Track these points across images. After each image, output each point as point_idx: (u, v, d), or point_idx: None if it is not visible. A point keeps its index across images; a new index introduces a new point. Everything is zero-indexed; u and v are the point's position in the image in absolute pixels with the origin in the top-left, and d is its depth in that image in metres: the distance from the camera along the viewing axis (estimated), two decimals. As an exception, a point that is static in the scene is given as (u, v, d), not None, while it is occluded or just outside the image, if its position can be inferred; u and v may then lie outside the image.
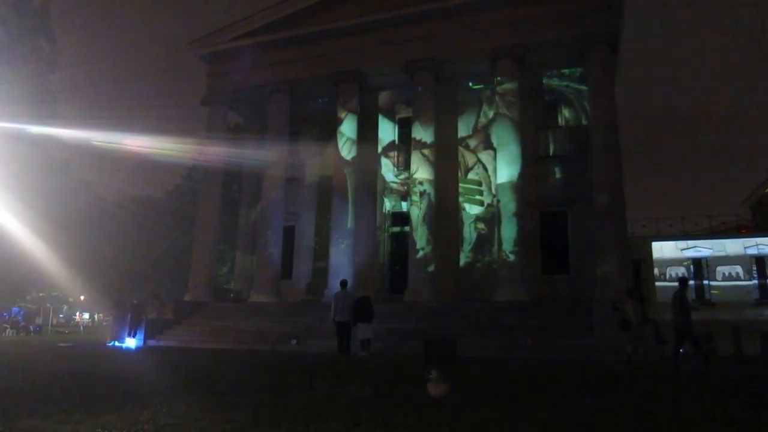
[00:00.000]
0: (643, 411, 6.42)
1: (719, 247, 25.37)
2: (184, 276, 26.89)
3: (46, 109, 27.31)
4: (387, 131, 25.17)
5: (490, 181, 22.78)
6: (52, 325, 35.65)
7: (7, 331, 28.43)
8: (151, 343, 19.52)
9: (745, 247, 25.06)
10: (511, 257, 19.80)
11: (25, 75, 25.79)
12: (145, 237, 42.24)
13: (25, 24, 25.52)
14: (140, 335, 19.51)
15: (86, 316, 64.95)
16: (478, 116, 23.88)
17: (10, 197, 27.67)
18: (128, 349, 18.08)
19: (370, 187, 24.41)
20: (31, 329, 29.39)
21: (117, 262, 42.59)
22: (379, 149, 24.97)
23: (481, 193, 23.20)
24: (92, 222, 38.96)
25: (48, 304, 41.93)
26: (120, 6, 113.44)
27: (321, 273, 23.46)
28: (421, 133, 21.94)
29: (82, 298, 53.96)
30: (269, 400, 6.96)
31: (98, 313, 62.33)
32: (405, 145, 24.16)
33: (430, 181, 21.64)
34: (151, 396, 7.11)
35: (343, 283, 16.51)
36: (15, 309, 32.45)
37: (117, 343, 19.64)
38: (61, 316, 58.95)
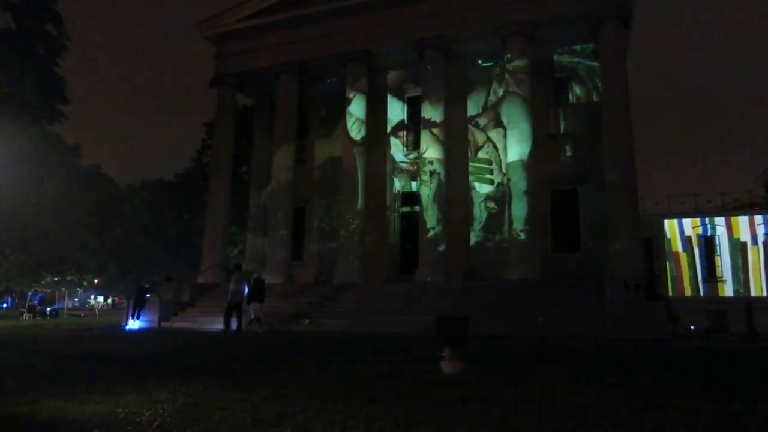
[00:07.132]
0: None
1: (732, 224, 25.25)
2: (196, 258, 27.13)
3: (56, 93, 27.37)
4: (396, 111, 25.00)
5: (500, 160, 22.63)
6: (67, 308, 36.12)
7: (24, 315, 28.84)
8: (165, 324, 19.77)
9: (757, 225, 24.97)
10: (522, 236, 19.74)
11: (33, 60, 25.81)
12: (156, 220, 42.67)
13: (32, 8, 25.43)
14: (143, 317, 19.76)
15: (101, 299, 65.79)
16: (488, 94, 23.65)
17: (23, 182, 27.94)
18: (130, 331, 18.18)
19: (380, 167, 24.34)
20: (47, 313, 29.76)
21: (129, 245, 43.12)
22: (389, 129, 24.83)
23: (491, 171, 23.06)
24: (104, 205, 39.37)
25: (63, 288, 42.48)
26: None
27: (332, 253, 23.54)
28: (431, 112, 21.78)
29: (96, 281, 54.69)
30: (285, 379, 7.05)
31: (113, 296, 63.18)
32: (414, 124, 24.01)
33: (440, 161, 21.52)
34: (169, 376, 7.23)
35: (238, 267, 19.69)
36: (30, 293, 32.90)
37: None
38: (76, 299, 59.69)
